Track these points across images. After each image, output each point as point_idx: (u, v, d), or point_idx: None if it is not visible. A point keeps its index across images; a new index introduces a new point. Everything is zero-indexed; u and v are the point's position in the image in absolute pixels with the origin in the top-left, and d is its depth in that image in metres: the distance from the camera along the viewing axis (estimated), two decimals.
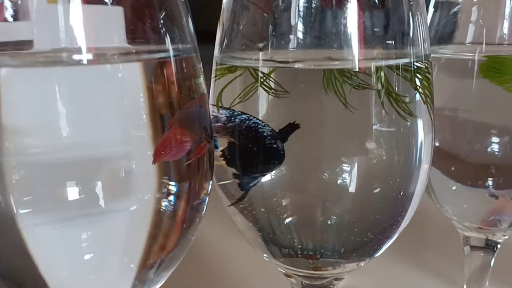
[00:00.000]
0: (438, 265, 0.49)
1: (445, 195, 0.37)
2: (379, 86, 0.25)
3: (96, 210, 0.22)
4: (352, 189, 0.26)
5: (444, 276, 0.48)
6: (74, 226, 0.22)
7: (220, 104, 0.27)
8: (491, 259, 0.40)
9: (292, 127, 0.25)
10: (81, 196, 0.21)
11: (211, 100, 0.28)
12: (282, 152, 0.25)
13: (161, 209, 0.23)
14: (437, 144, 0.35)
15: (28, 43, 0.21)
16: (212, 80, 0.28)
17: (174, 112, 0.23)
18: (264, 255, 0.29)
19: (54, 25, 0.20)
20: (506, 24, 0.34)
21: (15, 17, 0.21)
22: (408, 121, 0.26)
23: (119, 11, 0.22)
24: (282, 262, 0.29)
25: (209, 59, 0.29)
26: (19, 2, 0.21)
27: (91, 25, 0.21)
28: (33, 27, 0.21)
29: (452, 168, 0.36)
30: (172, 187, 0.23)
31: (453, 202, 0.37)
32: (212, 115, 0.27)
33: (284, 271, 0.30)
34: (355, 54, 0.25)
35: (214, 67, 0.28)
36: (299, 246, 0.28)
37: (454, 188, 0.36)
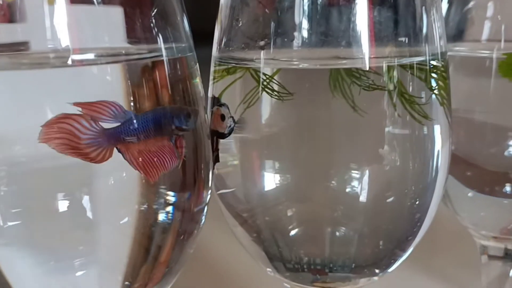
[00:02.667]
0: (454, 273, 0.47)
1: (462, 202, 0.34)
2: (392, 87, 0.23)
3: (85, 222, 0.20)
4: (363, 198, 0.24)
5: (461, 286, 0.45)
6: (62, 240, 0.20)
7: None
8: (510, 270, 0.37)
9: None
10: (69, 207, 0.20)
11: (210, 103, 0.26)
12: None
13: (155, 221, 0.22)
14: (453, 149, 0.33)
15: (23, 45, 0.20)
16: (211, 82, 0.26)
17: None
18: (268, 269, 0.27)
19: (43, 26, 0.19)
20: None
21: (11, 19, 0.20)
22: (424, 125, 0.24)
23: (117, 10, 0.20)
24: (287, 277, 0.27)
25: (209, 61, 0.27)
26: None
27: (81, 24, 0.20)
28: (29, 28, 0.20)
29: (469, 174, 0.34)
30: (167, 197, 0.22)
31: (470, 210, 0.35)
32: None
33: (289, 286, 0.28)
34: (365, 52, 0.23)
35: (212, 68, 0.26)
36: (306, 260, 0.26)
37: (470, 195, 0.34)
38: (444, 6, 0.34)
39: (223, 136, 0.25)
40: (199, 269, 0.48)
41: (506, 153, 0.32)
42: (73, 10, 0.20)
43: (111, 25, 0.21)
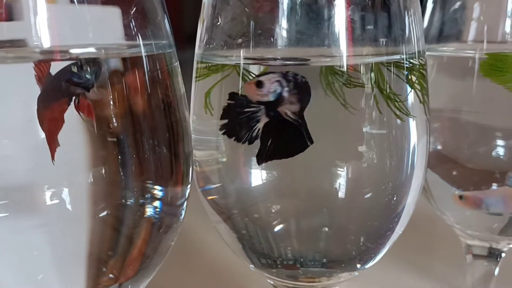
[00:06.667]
0: (440, 273, 0.47)
1: (446, 201, 0.35)
2: (370, 85, 0.23)
3: (65, 215, 0.20)
4: (341, 194, 0.24)
5: (447, 285, 0.46)
6: (42, 234, 0.21)
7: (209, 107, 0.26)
8: (495, 268, 0.38)
9: None
10: (50, 201, 0.20)
11: (193, 101, 0.27)
12: None
13: (134, 214, 0.22)
14: (437, 147, 0.33)
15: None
16: (194, 80, 0.27)
17: (147, 113, 0.21)
18: (251, 265, 0.28)
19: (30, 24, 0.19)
20: (508, 22, 0.32)
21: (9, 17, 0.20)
22: (404, 121, 0.24)
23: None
24: (272, 274, 0.27)
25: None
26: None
27: (64, 22, 0.20)
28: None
29: (453, 173, 0.34)
30: (149, 190, 0.22)
31: (454, 209, 0.35)
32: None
33: (272, 282, 0.28)
34: (344, 51, 0.23)
35: (195, 66, 0.26)
36: (288, 256, 0.26)
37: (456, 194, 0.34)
38: (429, 6, 0.35)
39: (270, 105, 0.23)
40: (184, 264, 0.48)
41: (490, 153, 0.32)
42: (60, 9, 0.20)
43: (100, 23, 0.21)
